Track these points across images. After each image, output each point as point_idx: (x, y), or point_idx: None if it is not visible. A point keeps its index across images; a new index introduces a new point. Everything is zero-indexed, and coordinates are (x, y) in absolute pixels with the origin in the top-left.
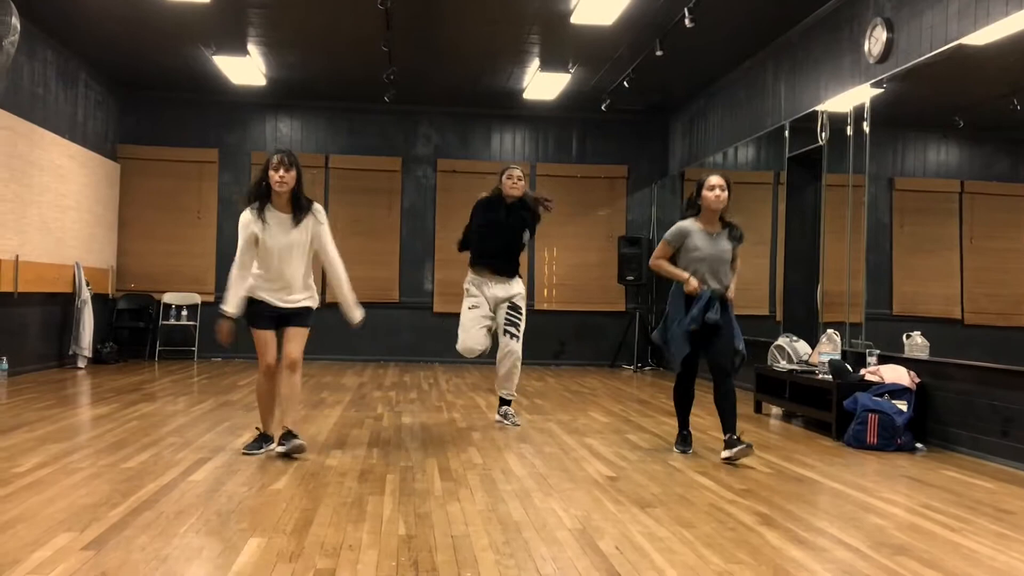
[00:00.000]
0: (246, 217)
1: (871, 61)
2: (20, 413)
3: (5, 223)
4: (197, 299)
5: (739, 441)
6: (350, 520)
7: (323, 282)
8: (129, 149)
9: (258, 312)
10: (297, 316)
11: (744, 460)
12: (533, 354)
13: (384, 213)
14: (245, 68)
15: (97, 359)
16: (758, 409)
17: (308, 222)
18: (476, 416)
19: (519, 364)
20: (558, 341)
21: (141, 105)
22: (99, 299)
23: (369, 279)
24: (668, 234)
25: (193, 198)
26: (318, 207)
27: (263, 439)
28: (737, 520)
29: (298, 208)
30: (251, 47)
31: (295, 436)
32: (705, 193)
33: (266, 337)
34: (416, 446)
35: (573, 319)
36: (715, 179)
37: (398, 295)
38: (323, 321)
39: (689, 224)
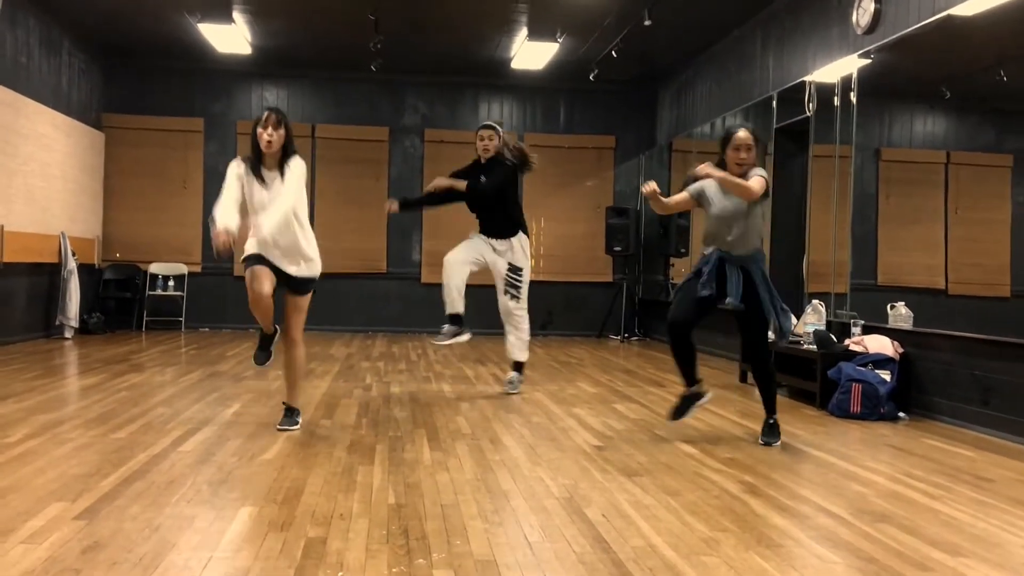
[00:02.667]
0: (234, 162)
1: (859, 32)
2: (8, 384)
3: None
4: (184, 269)
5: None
6: (340, 489)
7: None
8: (114, 118)
9: (255, 256)
10: (296, 283)
11: (731, 429)
12: None
13: (371, 183)
14: (230, 36)
15: (84, 330)
16: (743, 379)
17: (285, 174)
18: (465, 386)
19: (522, 327)
20: (545, 311)
21: (125, 74)
22: (85, 269)
23: (356, 250)
24: (692, 185)
25: (179, 167)
26: (294, 162)
27: (267, 340)
28: (722, 488)
29: (285, 163)
30: (236, 15)
31: (296, 414)
32: (729, 153)
33: (260, 271)
34: (405, 416)
35: (560, 290)
36: (741, 135)
37: (386, 265)
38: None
39: (706, 181)
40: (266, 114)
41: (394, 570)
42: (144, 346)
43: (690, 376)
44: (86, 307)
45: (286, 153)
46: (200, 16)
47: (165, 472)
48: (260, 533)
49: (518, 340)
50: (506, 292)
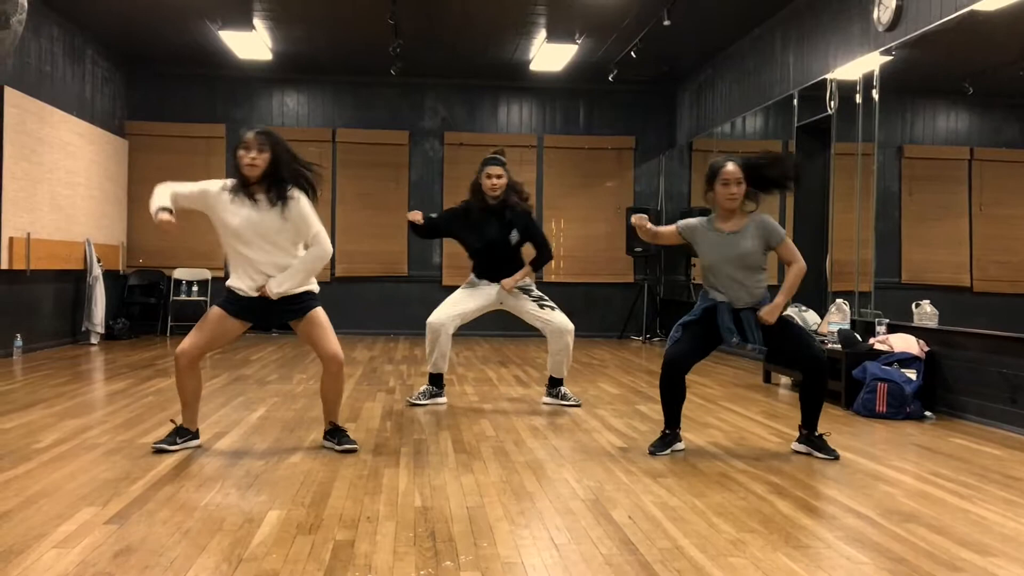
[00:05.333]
0: (211, 182)
1: (880, 29)
2: (37, 390)
3: (16, 201)
4: (207, 274)
5: (813, 439)
6: (366, 492)
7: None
8: (137, 125)
9: (231, 298)
10: (294, 305)
11: (756, 430)
12: None
13: (392, 187)
14: (251, 43)
15: (110, 335)
16: (767, 379)
17: (286, 212)
18: (488, 389)
19: (569, 339)
20: (566, 312)
21: (148, 81)
22: (110, 275)
23: (377, 253)
24: (682, 222)
25: (201, 173)
26: (297, 199)
27: (180, 433)
28: (748, 489)
29: (276, 190)
30: (257, 21)
31: (344, 432)
32: (718, 188)
33: (218, 318)
34: (429, 419)
35: (581, 290)
36: (730, 169)
37: (407, 269)
38: (332, 295)
39: (696, 223)
40: (250, 134)
41: (422, 572)
42: (169, 351)
43: (675, 417)
44: (111, 313)
45: (277, 178)
46: (221, 23)
47: (193, 476)
48: (289, 536)
49: (563, 352)
50: (542, 308)
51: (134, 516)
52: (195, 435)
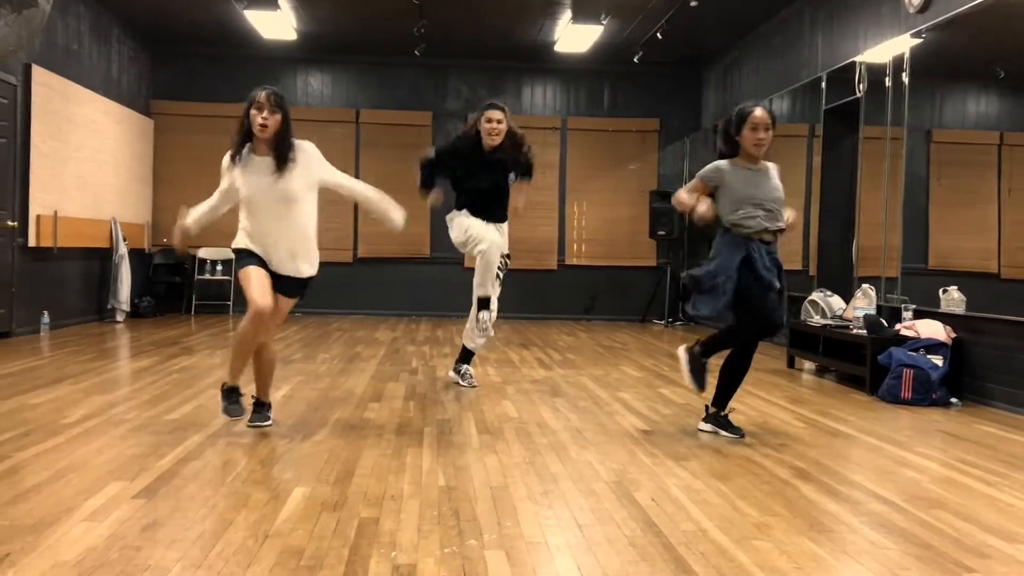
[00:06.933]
0: (224, 163)
1: (911, 11)
2: (64, 366)
3: (43, 179)
4: (231, 254)
5: (720, 418)
6: (390, 471)
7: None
8: (162, 105)
9: (248, 253)
10: (290, 284)
11: (779, 415)
12: (563, 309)
13: (415, 167)
14: (276, 22)
15: (135, 313)
16: (791, 364)
17: (298, 169)
18: (510, 371)
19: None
20: (588, 296)
21: (173, 60)
22: (136, 254)
23: (399, 234)
24: (703, 171)
25: (225, 153)
26: (305, 146)
27: (233, 393)
28: (772, 473)
29: (280, 154)
30: (282, 1)
31: (267, 408)
32: (746, 133)
33: (258, 274)
34: (451, 399)
35: (604, 274)
36: (759, 114)
37: (429, 250)
38: (354, 276)
39: (720, 164)
40: (263, 94)
41: (446, 550)
42: (193, 329)
43: (729, 395)
44: (137, 291)
45: (282, 140)
46: (246, 3)
47: (219, 452)
48: (314, 513)
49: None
50: (497, 276)
51: (161, 491)
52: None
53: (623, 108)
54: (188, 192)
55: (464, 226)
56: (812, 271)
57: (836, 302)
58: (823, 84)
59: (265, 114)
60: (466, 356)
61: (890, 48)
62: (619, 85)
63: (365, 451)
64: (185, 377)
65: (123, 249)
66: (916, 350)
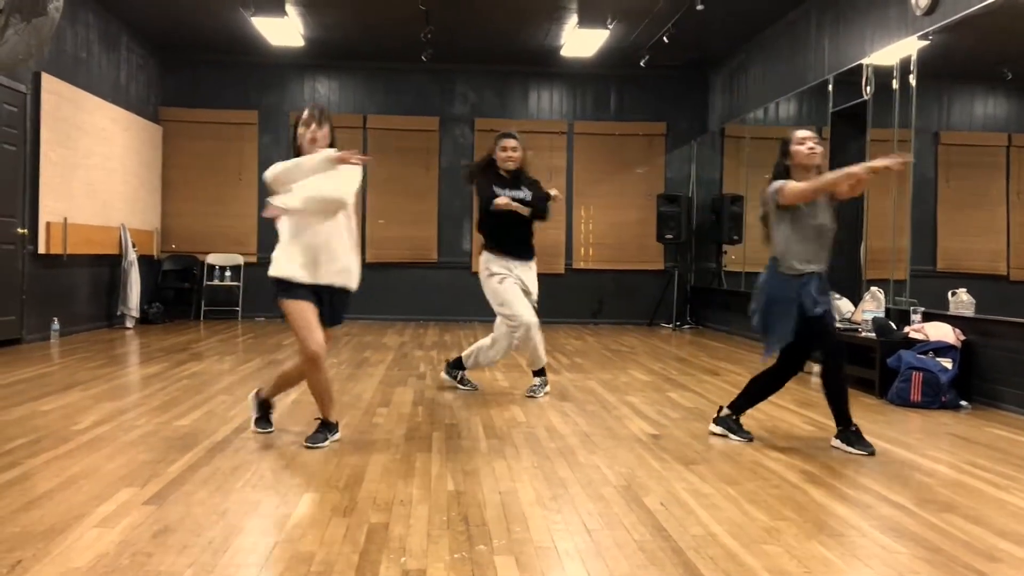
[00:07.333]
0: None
1: (918, 13)
2: (74, 372)
3: (53, 186)
4: (240, 260)
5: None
6: (399, 476)
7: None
8: (171, 112)
9: (294, 285)
10: (337, 296)
11: (789, 419)
12: (571, 313)
13: (422, 172)
14: (283, 29)
15: (144, 319)
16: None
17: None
18: (518, 376)
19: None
20: (596, 299)
21: (181, 68)
22: (145, 260)
23: (407, 239)
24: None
25: (234, 159)
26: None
27: (327, 428)
28: (781, 477)
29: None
30: (289, 8)
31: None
32: (795, 148)
33: (306, 309)
34: (460, 405)
35: (611, 277)
36: (803, 132)
37: (436, 255)
38: (362, 281)
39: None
40: (311, 111)
41: (455, 556)
42: (203, 335)
43: (751, 406)
44: (146, 297)
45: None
46: (254, 10)
47: (229, 458)
48: (324, 518)
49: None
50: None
51: (172, 497)
52: (336, 427)
53: (630, 112)
54: (196, 198)
55: (493, 289)
56: None
57: (844, 305)
58: (830, 87)
59: (313, 127)
60: (459, 364)
61: (897, 50)
62: (626, 89)
63: (374, 456)
64: (195, 383)
65: (132, 255)
66: (925, 353)
